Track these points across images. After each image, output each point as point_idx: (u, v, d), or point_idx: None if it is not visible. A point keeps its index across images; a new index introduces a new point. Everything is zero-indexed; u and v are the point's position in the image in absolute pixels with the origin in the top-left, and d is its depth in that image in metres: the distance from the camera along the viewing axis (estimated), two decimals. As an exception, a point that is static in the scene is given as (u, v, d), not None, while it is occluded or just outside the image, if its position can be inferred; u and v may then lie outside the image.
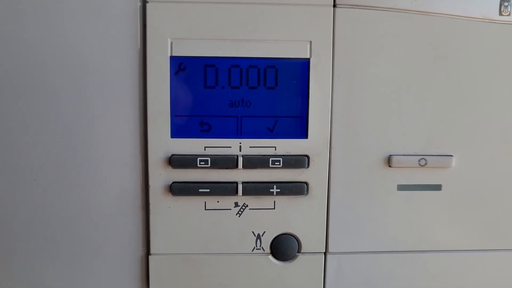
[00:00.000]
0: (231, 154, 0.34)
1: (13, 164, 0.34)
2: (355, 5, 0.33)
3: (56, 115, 0.33)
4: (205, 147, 0.34)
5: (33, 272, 0.35)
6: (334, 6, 0.33)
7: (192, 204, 0.35)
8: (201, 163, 0.34)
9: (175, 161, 0.34)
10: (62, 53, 0.33)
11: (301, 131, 0.34)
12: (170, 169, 0.34)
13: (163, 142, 0.34)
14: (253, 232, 0.35)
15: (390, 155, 0.35)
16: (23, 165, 0.34)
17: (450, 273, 0.37)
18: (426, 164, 0.35)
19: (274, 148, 0.34)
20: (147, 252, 0.35)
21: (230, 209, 0.35)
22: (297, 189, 0.35)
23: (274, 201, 0.35)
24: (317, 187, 0.35)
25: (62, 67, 0.33)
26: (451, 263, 0.37)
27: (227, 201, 0.35)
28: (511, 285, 0.37)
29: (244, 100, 0.34)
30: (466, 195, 0.36)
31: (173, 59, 0.33)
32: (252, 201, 0.35)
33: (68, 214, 0.34)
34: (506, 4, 0.34)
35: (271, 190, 0.34)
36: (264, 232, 0.35)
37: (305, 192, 0.35)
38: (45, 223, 0.34)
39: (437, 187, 0.36)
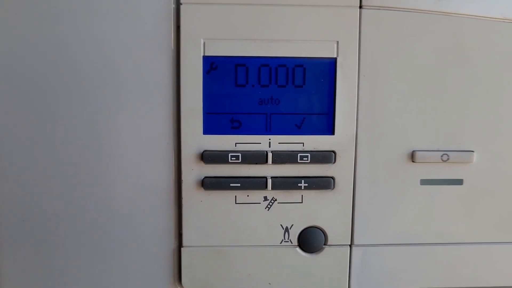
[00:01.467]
0: (261, 150, 0.36)
1: (50, 161, 0.35)
2: (380, 6, 0.35)
3: (94, 115, 0.35)
4: (235, 143, 0.35)
5: (70, 266, 0.36)
6: (360, 7, 0.35)
7: (223, 198, 0.36)
8: (232, 158, 0.35)
9: (207, 157, 0.35)
10: (98, 54, 0.34)
11: (328, 128, 0.36)
12: (202, 164, 0.35)
13: (196, 139, 0.35)
14: (281, 225, 0.37)
15: (413, 151, 0.36)
16: (62, 162, 0.35)
17: (471, 265, 0.38)
18: (448, 159, 0.36)
19: (302, 144, 0.36)
20: (179, 245, 0.37)
21: (260, 203, 0.36)
22: (324, 183, 0.36)
23: (302, 195, 0.36)
24: (343, 182, 0.36)
25: (99, 68, 0.34)
26: (472, 255, 0.38)
27: (257, 195, 0.36)
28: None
29: (273, 98, 0.35)
30: (487, 190, 0.37)
31: (206, 58, 0.35)
32: (281, 195, 0.36)
33: (104, 208, 0.36)
34: (525, 5, 0.36)
35: (299, 184, 0.36)
36: (292, 225, 0.37)
37: (332, 187, 0.36)
38: (82, 218, 0.36)
39: (459, 182, 0.37)
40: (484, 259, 0.38)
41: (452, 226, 0.37)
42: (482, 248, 0.38)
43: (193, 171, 0.36)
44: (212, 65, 0.35)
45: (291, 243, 0.37)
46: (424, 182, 0.37)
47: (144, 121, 0.35)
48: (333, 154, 0.36)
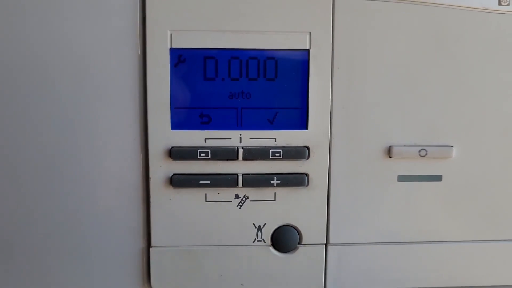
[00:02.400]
0: (231, 145, 0.34)
1: (12, 160, 0.34)
2: (355, -4, 0.33)
3: (55, 109, 0.33)
4: (205, 139, 0.34)
5: (34, 269, 0.35)
6: (334, -4, 0.33)
7: (192, 196, 0.35)
8: (201, 155, 0.34)
9: (175, 153, 0.34)
10: (61, 47, 0.33)
11: (301, 123, 0.34)
12: (170, 161, 0.34)
13: (164, 134, 0.34)
14: (253, 223, 0.35)
15: (390, 146, 0.35)
16: (22, 160, 0.34)
17: (451, 264, 0.37)
18: (426, 154, 0.35)
19: (274, 139, 0.34)
20: (148, 245, 0.35)
21: (231, 201, 0.35)
22: (298, 180, 0.35)
23: (275, 193, 0.35)
24: (318, 179, 0.35)
25: (62, 60, 0.33)
26: (451, 254, 0.37)
27: (228, 193, 0.35)
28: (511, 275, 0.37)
29: (244, 91, 0.34)
30: (467, 186, 0.36)
31: (173, 51, 0.33)
32: (253, 192, 0.35)
33: (69, 207, 0.34)
34: (505, -6, 0.34)
35: (271, 181, 0.34)
36: (265, 223, 0.35)
37: (306, 184, 0.35)
38: (46, 217, 0.34)
39: (438, 178, 0.36)
40: (464, 258, 0.37)
41: (431, 224, 0.36)
42: (462, 246, 0.37)
43: (161, 168, 0.34)
44: (180, 57, 0.34)
45: (264, 242, 0.36)
46: (402, 178, 0.35)
47: (110, 116, 0.34)
48: (307, 149, 0.34)
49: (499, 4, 0.34)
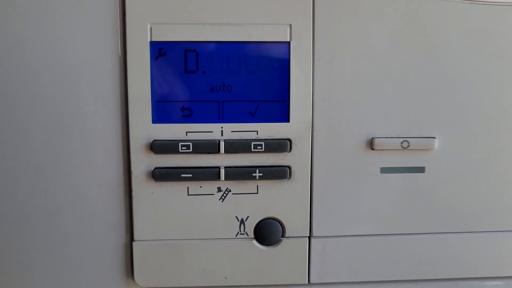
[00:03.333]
0: (213, 138, 0.34)
1: (-5, 153, 0.34)
2: (335, -13, 0.33)
3: (35, 105, 0.33)
4: (186, 132, 0.34)
5: (15, 264, 0.35)
6: (314, -12, 0.33)
7: (175, 189, 0.35)
8: (182, 148, 0.34)
9: (156, 147, 0.34)
10: (41, 42, 0.33)
11: (283, 115, 0.34)
12: (152, 154, 0.34)
13: (145, 128, 0.34)
14: (236, 217, 0.35)
15: (372, 138, 0.35)
16: (5, 155, 0.34)
17: (433, 256, 0.37)
18: (408, 146, 0.35)
19: (256, 132, 0.34)
20: (131, 239, 0.35)
21: (213, 194, 0.35)
22: (280, 173, 0.35)
23: (257, 186, 0.35)
24: (300, 171, 0.35)
25: (40, 56, 0.33)
26: (434, 246, 0.37)
27: (210, 186, 0.35)
28: (495, 266, 0.37)
29: (225, 84, 0.34)
30: (450, 177, 0.36)
31: (153, 44, 0.33)
32: (235, 185, 0.35)
33: (51, 203, 0.34)
34: (486, -16, 0.34)
35: (253, 174, 0.34)
36: (248, 216, 0.35)
37: (288, 176, 0.35)
38: (28, 213, 0.34)
39: (421, 169, 0.36)
40: (447, 250, 0.37)
41: (414, 216, 0.36)
42: (445, 238, 0.37)
43: (142, 161, 0.34)
44: (160, 51, 0.33)
45: (247, 235, 0.36)
46: (385, 170, 0.35)
47: (91, 111, 0.34)
48: (289, 142, 0.34)
49: (480, -6, 0.34)
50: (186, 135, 0.34)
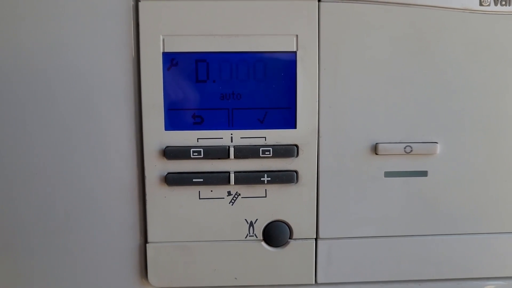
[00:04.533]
0: (223, 145, 0.36)
1: (13, 159, 0.35)
2: (339, -1, 0.35)
3: (53, 111, 0.35)
4: (198, 138, 0.36)
5: (32, 265, 0.37)
6: (319, 0, 0.35)
7: (186, 193, 0.36)
8: (194, 154, 0.35)
9: (169, 153, 0.35)
10: (58, 53, 0.34)
11: (290, 122, 0.36)
12: (165, 160, 0.36)
13: (158, 135, 0.35)
14: (245, 219, 0.37)
15: (376, 143, 0.36)
16: (23, 160, 0.35)
17: (438, 257, 0.38)
18: (411, 151, 0.36)
19: (264, 138, 0.36)
20: (145, 241, 0.37)
21: (223, 198, 0.36)
22: (287, 177, 0.36)
23: (266, 190, 0.36)
24: (307, 175, 0.36)
25: (59, 66, 0.34)
26: (438, 247, 0.38)
27: (220, 190, 0.36)
28: (497, 267, 0.38)
29: (234, 93, 0.36)
30: (452, 181, 0.37)
31: (166, 55, 0.35)
32: (244, 189, 0.36)
33: (68, 206, 0.36)
34: (486, -6, 0.35)
35: (262, 179, 0.36)
36: (257, 219, 0.37)
37: (295, 180, 0.36)
38: (45, 216, 0.36)
39: (423, 173, 0.37)
40: (449, 251, 0.38)
41: (417, 218, 0.37)
42: (448, 239, 0.38)
43: (156, 167, 0.36)
44: (172, 61, 0.35)
45: (256, 237, 0.37)
46: (388, 174, 0.37)
47: (107, 118, 0.35)
48: (296, 148, 0.36)
49: (480, 4, 0.36)
50: (197, 141, 0.36)
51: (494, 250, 0.38)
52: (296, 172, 0.36)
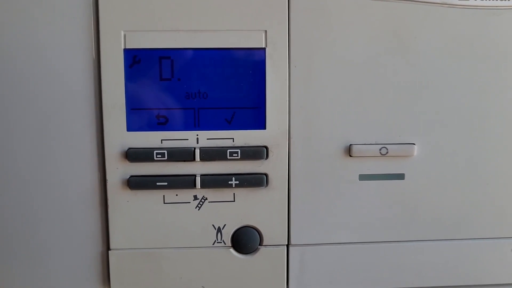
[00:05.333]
0: (188, 146, 0.34)
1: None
2: (310, -7, 0.33)
3: (11, 111, 0.33)
4: (161, 140, 0.34)
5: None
6: (289, -6, 0.33)
7: (150, 198, 0.34)
8: (158, 156, 0.33)
9: (131, 155, 0.33)
10: (15, 48, 0.32)
11: (260, 122, 0.34)
12: (127, 163, 0.34)
13: (119, 136, 0.34)
14: (213, 225, 0.35)
15: (350, 145, 0.34)
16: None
17: (415, 264, 0.36)
18: (387, 153, 0.34)
19: (232, 139, 0.34)
20: (107, 248, 0.35)
21: (189, 202, 0.35)
22: (256, 180, 0.34)
23: (234, 194, 0.35)
24: (277, 179, 0.34)
25: (15, 62, 0.33)
26: (415, 254, 0.36)
27: (186, 194, 0.34)
28: (476, 273, 0.36)
29: (200, 91, 0.34)
30: (430, 184, 0.35)
31: (127, 51, 0.33)
32: (211, 193, 0.35)
33: (26, 211, 0.34)
34: (465, -12, 0.34)
35: (229, 182, 0.34)
36: (225, 225, 0.35)
37: (265, 184, 0.34)
38: (3, 220, 0.34)
39: (400, 176, 0.35)
40: (427, 258, 0.36)
41: (394, 223, 0.36)
42: (426, 245, 0.36)
43: (118, 170, 0.34)
44: (134, 58, 0.33)
45: (224, 244, 0.35)
46: (363, 177, 0.35)
47: (65, 119, 0.33)
48: (265, 149, 0.34)
49: (460, -2, 0.34)
50: (162, 143, 0.34)
51: (475, 256, 0.36)
52: (266, 175, 0.34)
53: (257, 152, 0.34)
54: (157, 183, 0.34)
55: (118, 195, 0.34)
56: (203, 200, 0.35)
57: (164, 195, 0.34)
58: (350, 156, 0.34)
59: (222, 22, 0.33)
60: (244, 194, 0.35)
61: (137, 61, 0.33)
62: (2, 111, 0.33)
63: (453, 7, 0.34)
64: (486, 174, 0.35)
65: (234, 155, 0.34)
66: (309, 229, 0.35)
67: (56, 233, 0.35)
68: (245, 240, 0.35)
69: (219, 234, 0.35)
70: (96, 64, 0.33)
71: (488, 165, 0.35)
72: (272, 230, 0.35)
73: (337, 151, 0.35)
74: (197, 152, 0.34)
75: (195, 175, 0.34)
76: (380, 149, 0.34)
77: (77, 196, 0.34)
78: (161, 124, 0.34)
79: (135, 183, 0.34)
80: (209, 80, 0.34)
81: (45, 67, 0.33)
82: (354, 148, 0.34)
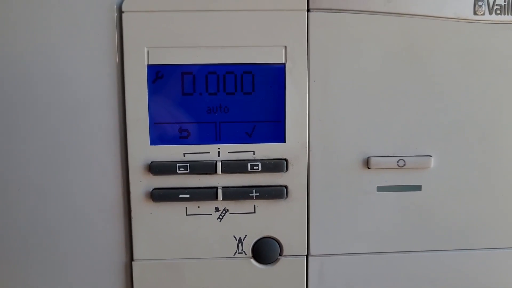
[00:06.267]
0: (210, 159, 0.35)
1: (-3, 175, 0.34)
2: (329, 9, 0.34)
3: (37, 126, 0.34)
4: (184, 153, 0.35)
5: (16, 281, 0.36)
6: (308, 10, 0.34)
7: (173, 210, 0.35)
8: (180, 169, 0.34)
9: (155, 168, 0.34)
10: (41, 66, 0.33)
11: (279, 135, 0.35)
12: (150, 176, 0.34)
13: (143, 150, 0.34)
14: (234, 236, 0.36)
15: (368, 157, 0.35)
16: (7, 176, 0.34)
17: (433, 274, 0.37)
18: (404, 165, 0.35)
19: (252, 152, 0.35)
20: (131, 258, 0.36)
21: (211, 214, 0.35)
22: (277, 192, 0.35)
23: (254, 205, 0.35)
24: (297, 190, 0.35)
25: (42, 79, 0.33)
26: (432, 263, 0.37)
27: (208, 206, 0.35)
28: (493, 283, 0.37)
29: (222, 106, 0.35)
30: (446, 195, 0.36)
31: (150, 67, 0.34)
32: (233, 205, 0.35)
33: (51, 222, 0.35)
34: (480, 3, 0.34)
35: (250, 194, 0.35)
36: (246, 236, 0.36)
37: (285, 196, 0.35)
38: (29, 232, 0.35)
39: (417, 188, 0.36)
40: (444, 267, 0.37)
41: (411, 234, 0.36)
42: (443, 255, 0.37)
43: (141, 182, 0.35)
44: (157, 74, 0.34)
45: (245, 254, 0.36)
46: (381, 189, 0.36)
47: (90, 133, 0.34)
48: (285, 162, 0.35)
49: (474, 13, 0.35)
50: (184, 156, 0.35)
51: (491, 266, 0.37)
52: (285, 187, 0.35)
53: (277, 165, 0.35)
54: (180, 196, 0.34)
55: (142, 207, 0.35)
56: (224, 212, 0.35)
57: (186, 207, 0.35)
58: (368, 168, 0.35)
59: (243, 38, 0.34)
60: (265, 206, 0.35)
61: (160, 76, 0.34)
62: (30, 125, 0.34)
63: (468, 22, 0.35)
64: (502, 185, 0.36)
65: (254, 167, 0.34)
66: (328, 239, 0.36)
67: (81, 245, 0.35)
68: (265, 251, 0.36)
69: (240, 244, 0.36)
70: (120, 80, 0.34)
71: (504, 176, 0.36)
72: (292, 241, 0.36)
73: (356, 163, 0.35)
74: (219, 165, 0.34)
75: (216, 188, 0.35)
76: (397, 161, 0.35)
77: (101, 208, 0.35)
78: (184, 137, 0.35)
79: (158, 195, 0.34)
80: (230, 94, 0.34)
81: (70, 82, 0.34)
82: (372, 160, 0.35)
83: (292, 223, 0.36)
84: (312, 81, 0.34)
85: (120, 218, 0.35)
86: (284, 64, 0.34)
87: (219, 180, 0.35)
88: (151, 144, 0.34)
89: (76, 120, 0.34)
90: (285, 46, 0.34)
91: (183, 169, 0.34)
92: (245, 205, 0.35)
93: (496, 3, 0.34)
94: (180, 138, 0.35)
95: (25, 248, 0.35)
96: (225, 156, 0.35)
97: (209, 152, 0.35)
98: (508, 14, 0.35)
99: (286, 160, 0.35)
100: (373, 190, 0.36)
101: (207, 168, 0.34)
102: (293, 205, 0.35)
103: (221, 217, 0.35)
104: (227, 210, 0.35)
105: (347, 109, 0.35)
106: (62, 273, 0.36)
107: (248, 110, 0.35)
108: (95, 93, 0.34)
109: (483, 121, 0.35)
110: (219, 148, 0.35)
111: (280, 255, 0.36)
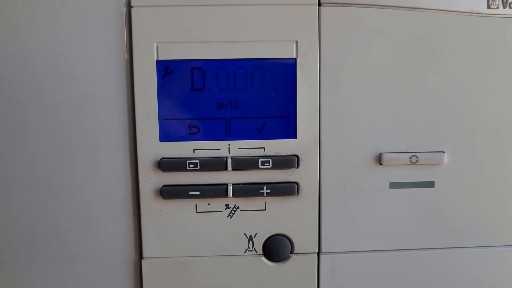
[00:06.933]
0: (220, 156, 0.34)
1: (5, 172, 0.34)
2: (340, 3, 0.33)
3: (45, 123, 0.33)
4: (194, 149, 0.34)
5: (25, 279, 0.35)
6: (319, 4, 0.33)
7: (183, 207, 0.35)
8: (190, 166, 0.34)
9: (164, 165, 0.34)
10: (49, 62, 0.33)
11: (290, 131, 0.34)
12: (160, 172, 0.34)
13: (152, 146, 0.34)
14: (245, 233, 0.35)
15: (381, 153, 0.35)
16: (16, 173, 0.34)
17: (445, 271, 0.36)
18: (417, 161, 0.35)
19: (263, 149, 0.34)
20: (140, 256, 0.35)
21: (221, 211, 0.35)
22: (288, 189, 0.34)
23: (265, 202, 0.35)
24: (308, 187, 0.35)
25: (50, 74, 0.33)
26: (445, 261, 0.36)
27: (218, 203, 0.35)
28: (507, 281, 0.36)
29: (232, 101, 0.34)
30: (460, 192, 0.35)
31: (160, 63, 0.33)
32: (243, 202, 0.35)
33: (60, 220, 0.35)
34: (494, -3, 0.34)
35: (261, 191, 0.34)
36: (256, 233, 0.35)
37: (296, 193, 0.35)
38: (37, 230, 0.35)
39: (430, 184, 0.35)
40: (457, 265, 0.36)
41: (424, 231, 0.36)
42: (455, 253, 0.36)
43: (150, 179, 0.34)
44: (167, 69, 0.34)
45: (256, 252, 0.36)
46: (394, 185, 0.35)
47: (99, 129, 0.34)
48: (296, 158, 0.34)
49: (488, 7, 0.34)
50: (194, 152, 0.34)
51: (505, 263, 0.36)
52: (297, 183, 0.35)
53: (288, 161, 0.34)
54: (190, 193, 0.34)
55: (151, 204, 0.34)
56: (235, 209, 0.35)
57: (196, 204, 0.35)
58: (381, 164, 0.35)
59: (253, 33, 0.33)
60: (276, 203, 0.35)
61: (169, 72, 0.34)
62: (38, 123, 0.33)
63: (481, 16, 0.34)
64: (516, 181, 0.35)
65: (265, 164, 0.34)
66: (340, 237, 0.35)
67: (89, 243, 0.35)
68: (276, 248, 0.35)
69: (250, 242, 0.35)
70: (129, 75, 0.33)
71: (518, 172, 0.35)
72: (303, 238, 0.35)
73: (368, 160, 0.35)
74: (229, 161, 0.34)
75: (227, 184, 0.34)
76: (410, 158, 0.35)
77: (110, 205, 0.35)
78: (193, 134, 0.34)
79: (168, 192, 0.34)
80: (240, 90, 0.34)
81: (79, 78, 0.33)
82: (385, 156, 0.34)
83: (303, 220, 0.35)
84: (324, 76, 0.34)
85: (129, 215, 0.35)
86: (295, 59, 0.34)
87: (230, 177, 0.34)
88: (160, 140, 0.34)
89: (84, 116, 0.34)
90: (296, 41, 0.33)
91: (193, 165, 0.34)
92: (256, 202, 0.35)
93: (510, -4, 0.34)
94: (190, 135, 0.34)
95: (33, 246, 0.35)
96: (236, 152, 0.34)
97: (219, 149, 0.34)
98: (522, 8, 0.34)
99: (297, 156, 0.34)
100: (385, 186, 0.35)
101: (217, 164, 0.34)
102: (305, 202, 0.35)
103: (231, 214, 0.35)
104: (238, 207, 0.35)
105: (359, 105, 0.34)
106: (71, 271, 0.35)
107: (258, 106, 0.34)
108: (104, 89, 0.33)
109: (497, 116, 0.35)
110: (229, 145, 0.34)
111: (291, 252, 0.36)
